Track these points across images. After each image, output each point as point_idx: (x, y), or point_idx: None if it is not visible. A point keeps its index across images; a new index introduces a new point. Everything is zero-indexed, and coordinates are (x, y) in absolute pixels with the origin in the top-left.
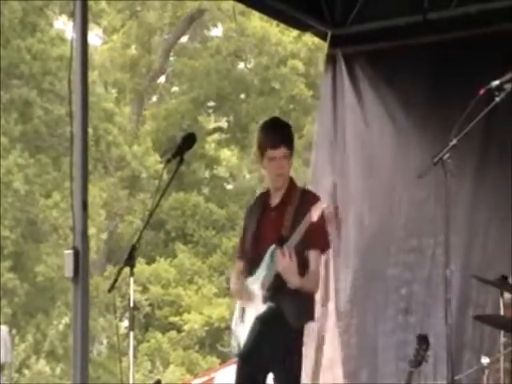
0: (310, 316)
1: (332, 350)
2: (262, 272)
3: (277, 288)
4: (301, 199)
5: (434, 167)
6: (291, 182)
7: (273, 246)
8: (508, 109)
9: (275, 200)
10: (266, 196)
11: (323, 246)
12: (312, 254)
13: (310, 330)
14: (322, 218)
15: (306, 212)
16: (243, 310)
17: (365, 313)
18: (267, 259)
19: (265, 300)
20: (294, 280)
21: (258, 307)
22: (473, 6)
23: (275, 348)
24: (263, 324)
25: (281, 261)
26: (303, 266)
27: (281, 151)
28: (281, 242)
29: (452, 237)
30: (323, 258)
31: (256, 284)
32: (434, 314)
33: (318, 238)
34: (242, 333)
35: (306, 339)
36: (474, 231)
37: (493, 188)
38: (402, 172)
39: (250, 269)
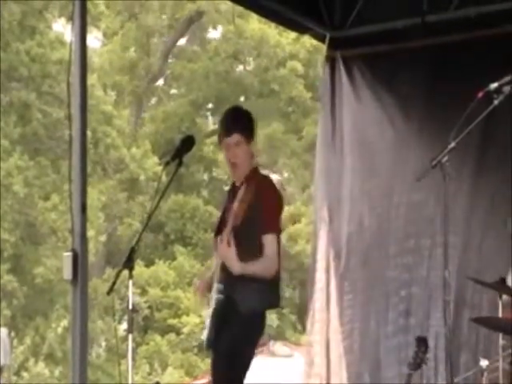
0: (264, 302)
1: (337, 355)
2: (217, 264)
3: (226, 278)
4: (256, 189)
5: (431, 170)
6: (253, 171)
7: None
8: (506, 111)
9: (240, 190)
10: (235, 187)
11: (276, 229)
12: (267, 239)
13: (317, 335)
14: (273, 200)
15: (261, 202)
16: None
17: (367, 316)
18: None
19: (218, 292)
20: (234, 266)
21: (213, 300)
22: (472, 9)
23: (229, 338)
24: (217, 316)
25: (219, 248)
26: (257, 251)
27: (233, 138)
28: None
29: (449, 237)
30: (323, 256)
31: (215, 276)
32: (432, 315)
33: (270, 222)
34: (207, 325)
35: (315, 346)
36: (471, 233)
37: (491, 190)
38: (400, 174)
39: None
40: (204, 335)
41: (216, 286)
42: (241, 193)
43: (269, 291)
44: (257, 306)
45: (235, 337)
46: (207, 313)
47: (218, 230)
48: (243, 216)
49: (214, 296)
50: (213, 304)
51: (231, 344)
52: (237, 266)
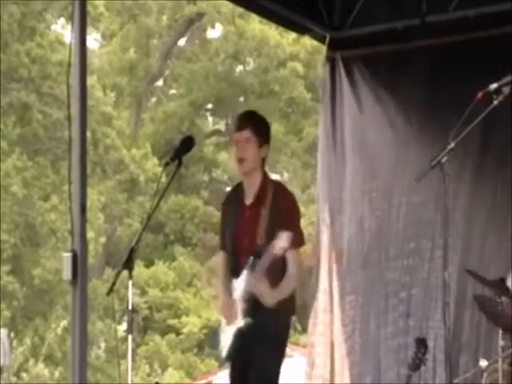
0: (291, 313)
1: (340, 356)
2: (241, 282)
3: (252, 301)
4: (274, 198)
5: (432, 170)
6: (264, 178)
7: (251, 259)
8: (506, 112)
9: (249, 198)
10: (240, 191)
11: (298, 243)
12: (290, 255)
13: (319, 337)
14: (294, 211)
15: (280, 213)
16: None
17: (367, 318)
18: (246, 271)
19: (244, 313)
20: (269, 301)
21: (238, 319)
22: (471, 10)
23: (255, 356)
24: (243, 336)
25: (254, 286)
26: (281, 266)
27: (244, 133)
28: (257, 252)
29: (450, 239)
30: (326, 258)
31: (237, 293)
32: (432, 316)
33: (293, 237)
34: (224, 338)
35: (317, 347)
36: (472, 234)
37: (491, 190)
38: (400, 175)
39: (231, 269)
40: (223, 345)
41: (242, 304)
42: (257, 204)
43: (291, 300)
44: (287, 322)
45: (271, 358)
46: (228, 330)
47: (233, 243)
48: (266, 235)
49: (240, 319)
50: (239, 325)
51: (270, 366)
52: (272, 301)
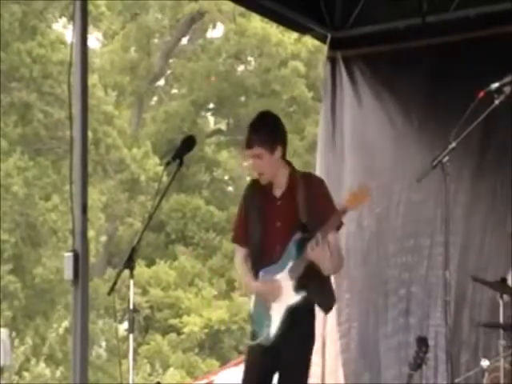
0: (334, 298)
1: (334, 354)
2: (286, 261)
3: (306, 276)
4: (306, 184)
5: (431, 169)
6: (292, 172)
7: (298, 236)
8: (507, 111)
9: (279, 190)
10: (264, 187)
11: (339, 225)
12: (331, 237)
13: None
14: (330, 197)
15: (316, 194)
16: (266, 300)
17: (365, 315)
18: (292, 249)
19: (296, 289)
20: (328, 267)
21: (288, 297)
22: (472, 9)
23: (300, 336)
24: (295, 313)
25: (315, 251)
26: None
27: (253, 151)
28: (302, 228)
29: (449, 237)
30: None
31: (280, 274)
32: (432, 314)
33: (333, 220)
34: (267, 321)
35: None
36: (472, 232)
37: (491, 189)
38: (400, 173)
39: (260, 258)
40: (263, 329)
41: (292, 282)
42: (289, 193)
43: (332, 288)
44: (332, 304)
45: (307, 337)
46: (276, 307)
47: (264, 232)
48: (308, 214)
49: (291, 296)
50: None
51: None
52: (331, 267)
